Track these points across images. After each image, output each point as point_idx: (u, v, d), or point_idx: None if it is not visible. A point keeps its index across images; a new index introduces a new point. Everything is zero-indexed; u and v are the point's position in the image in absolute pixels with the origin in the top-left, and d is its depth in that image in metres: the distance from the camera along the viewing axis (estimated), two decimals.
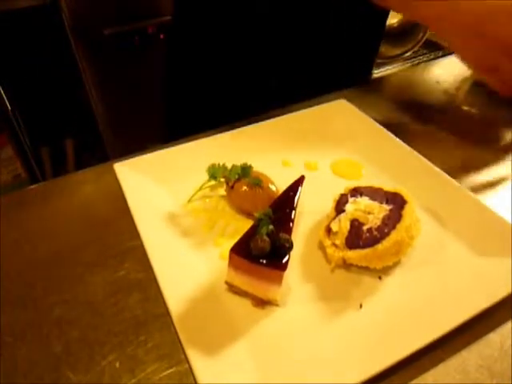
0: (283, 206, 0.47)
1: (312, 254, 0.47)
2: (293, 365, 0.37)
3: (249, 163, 0.51)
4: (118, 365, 0.38)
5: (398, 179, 0.55)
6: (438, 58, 0.80)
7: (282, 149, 0.60)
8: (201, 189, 0.53)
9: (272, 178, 0.53)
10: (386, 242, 0.43)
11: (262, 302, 0.42)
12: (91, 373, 0.37)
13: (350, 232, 0.46)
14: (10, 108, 1.23)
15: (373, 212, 0.46)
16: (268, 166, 0.55)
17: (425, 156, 0.56)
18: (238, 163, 0.52)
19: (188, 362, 0.37)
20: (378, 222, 0.45)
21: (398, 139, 0.59)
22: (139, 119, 1.44)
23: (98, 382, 0.36)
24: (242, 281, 0.42)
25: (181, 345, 0.38)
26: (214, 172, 0.52)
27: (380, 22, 0.84)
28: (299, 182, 0.51)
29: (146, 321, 0.41)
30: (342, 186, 0.51)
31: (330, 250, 0.45)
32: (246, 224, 0.46)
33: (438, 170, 0.54)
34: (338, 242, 0.46)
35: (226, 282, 0.43)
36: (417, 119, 0.69)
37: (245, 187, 0.50)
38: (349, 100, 0.67)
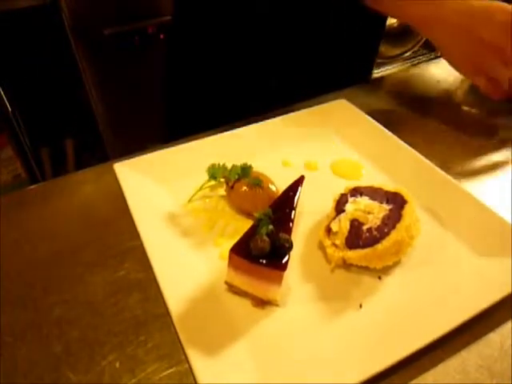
0: (283, 205, 0.47)
1: (312, 254, 0.47)
2: (293, 365, 0.37)
3: (249, 163, 0.51)
4: (118, 365, 0.38)
5: (398, 179, 0.55)
6: (438, 57, 0.80)
7: (282, 149, 0.61)
8: (201, 189, 0.53)
9: (272, 178, 0.53)
10: (386, 242, 0.43)
11: (262, 302, 0.42)
12: (91, 373, 0.37)
13: (349, 232, 0.45)
14: (10, 108, 1.23)
15: (373, 212, 0.46)
16: (268, 166, 0.55)
17: (425, 156, 0.56)
18: (238, 163, 0.52)
19: (188, 361, 0.37)
20: (378, 222, 0.45)
21: (398, 139, 0.59)
22: (139, 119, 1.44)
23: (98, 382, 0.36)
24: (241, 281, 0.42)
25: (181, 345, 0.38)
26: (214, 172, 0.52)
27: (380, 22, 0.84)
28: (299, 181, 0.51)
29: (146, 321, 0.41)
30: (342, 186, 0.51)
31: (330, 250, 0.45)
32: (245, 224, 0.46)
33: (438, 169, 0.54)
34: (337, 241, 0.46)
35: (226, 282, 0.43)
36: (417, 119, 0.69)
37: (245, 187, 0.50)
38: (349, 100, 0.67)
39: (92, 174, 0.58)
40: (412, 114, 0.70)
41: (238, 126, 0.62)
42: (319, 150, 0.61)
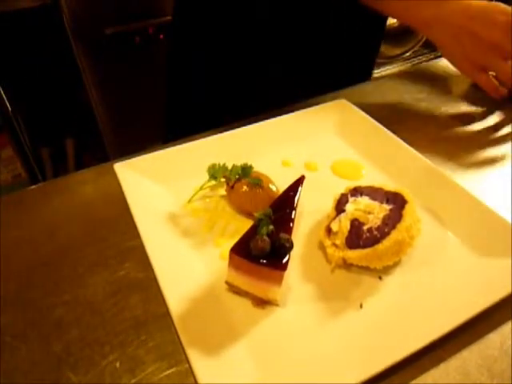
0: (283, 205, 0.47)
1: (312, 254, 0.47)
2: (293, 365, 0.37)
3: (249, 163, 0.51)
4: (118, 365, 0.38)
5: (398, 179, 0.55)
6: (439, 57, 0.80)
7: (282, 149, 0.61)
8: (201, 189, 0.53)
9: (272, 178, 0.53)
10: (387, 242, 0.43)
11: (262, 302, 0.42)
12: (91, 373, 0.37)
13: (350, 232, 0.45)
14: (10, 108, 1.23)
15: (373, 212, 0.46)
16: (268, 166, 0.55)
17: (425, 156, 0.56)
18: (238, 163, 0.52)
19: (188, 361, 0.37)
20: (379, 222, 0.45)
21: (398, 139, 0.59)
22: (139, 119, 1.45)
23: (98, 382, 0.36)
24: (242, 281, 0.42)
25: (181, 345, 0.38)
26: (215, 172, 0.52)
27: (380, 22, 0.84)
28: (299, 181, 0.51)
29: (147, 321, 0.41)
30: (342, 186, 0.51)
31: (330, 250, 0.45)
32: (245, 224, 0.46)
33: (438, 169, 0.54)
34: (338, 241, 0.46)
35: (226, 282, 0.43)
36: (417, 119, 0.69)
37: (245, 187, 0.50)
38: (349, 100, 0.66)
39: (92, 174, 0.58)
40: (412, 114, 0.70)
41: (238, 126, 0.62)
42: (319, 150, 0.61)
